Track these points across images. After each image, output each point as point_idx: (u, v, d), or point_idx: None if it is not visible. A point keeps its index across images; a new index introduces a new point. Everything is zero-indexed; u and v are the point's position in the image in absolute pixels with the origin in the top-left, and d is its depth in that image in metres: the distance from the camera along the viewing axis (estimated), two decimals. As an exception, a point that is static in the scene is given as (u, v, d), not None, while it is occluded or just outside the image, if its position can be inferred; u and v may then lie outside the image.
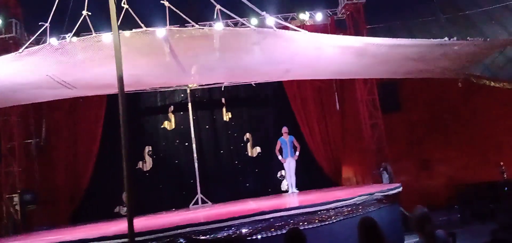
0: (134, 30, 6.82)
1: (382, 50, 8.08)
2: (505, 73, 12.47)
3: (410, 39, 8.56)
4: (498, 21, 11.71)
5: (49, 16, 7.35)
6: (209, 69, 8.63)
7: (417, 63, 8.66)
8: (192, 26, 10.80)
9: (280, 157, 10.41)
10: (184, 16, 7.70)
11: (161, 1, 7.12)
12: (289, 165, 10.32)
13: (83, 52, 7.00)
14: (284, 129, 10.41)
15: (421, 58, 8.46)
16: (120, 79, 4.51)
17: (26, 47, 6.59)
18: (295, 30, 7.63)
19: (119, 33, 4.68)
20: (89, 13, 6.85)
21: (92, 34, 6.76)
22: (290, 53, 8.20)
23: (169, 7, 7.10)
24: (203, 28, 7.24)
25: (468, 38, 8.21)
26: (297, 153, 10.35)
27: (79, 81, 8.18)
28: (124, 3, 6.71)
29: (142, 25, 6.88)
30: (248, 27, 7.69)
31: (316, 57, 8.44)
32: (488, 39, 8.61)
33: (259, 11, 7.73)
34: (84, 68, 7.59)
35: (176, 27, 8.14)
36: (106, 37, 6.73)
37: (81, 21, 7.10)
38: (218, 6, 7.28)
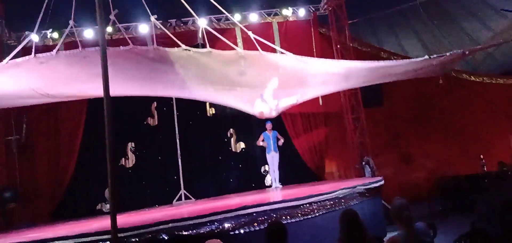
0: (122, 48, 6.71)
1: (366, 72, 8.17)
2: (485, 67, 12.74)
3: (392, 61, 8.64)
4: (476, 15, 11.93)
5: (30, 13, 7.24)
6: (192, 89, 8.49)
7: (401, 75, 8.81)
8: (175, 25, 10.85)
9: (261, 143, 10.48)
10: (166, 30, 7.71)
11: (151, 18, 7.13)
12: (273, 159, 10.35)
13: (68, 67, 6.88)
14: (268, 125, 10.42)
15: (404, 73, 8.60)
16: (107, 96, 4.44)
17: (11, 58, 6.42)
18: (282, 52, 7.50)
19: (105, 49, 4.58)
20: (76, 24, 6.76)
21: (74, 35, 6.68)
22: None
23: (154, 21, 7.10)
24: (189, 50, 7.09)
25: (446, 53, 8.28)
26: (282, 140, 10.44)
27: (63, 93, 8.09)
28: (111, 15, 6.63)
29: (130, 42, 6.79)
30: (234, 48, 7.36)
31: (301, 88, 8.43)
32: (467, 51, 8.72)
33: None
34: (68, 83, 7.48)
35: (158, 32, 8.12)
36: (92, 53, 6.61)
37: (68, 31, 7.03)
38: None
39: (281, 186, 10.26)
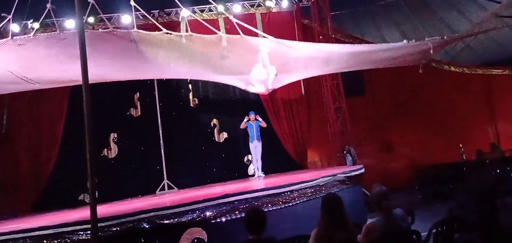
0: (101, 30, 6.69)
1: (347, 56, 8.24)
2: (464, 58, 12.95)
3: (371, 44, 8.76)
4: (457, 7, 12.10)
5: (10, 4, 7.14)
6: (175, 69, 8.49)
7: (381, 62, 8.90)
8: (158, 16, 10.75)
9: (243, 126, 10.58)
10: (149, 17, 7.69)
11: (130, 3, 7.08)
12: (256, 149, 10.41)
13: (47, 48, 6.81)
14: (251, 115, 10.47)
15: (384, 58, 8.69)
16: (86, 83, 4.40)
17: None
18: (265, 36, 7.58)
19: (84, 32, 4.54)
20: (53, 7, 6.68)
21: (55, 25, 6.60)
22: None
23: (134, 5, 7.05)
24: (171, 34, 7.13)
25: (426, 38, 8.42)
26: (264, 124, 10.59)
27: (43, 77, 7.97)
28: None
29: (105, 17, 6.76)
30: (216, 33, 7.48)
31: (283, 70, 8.48)
32: (445, 37, 8.87)
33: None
34: (47, 64, 7.39)
35: (142, 27, 8.05)
36: (71, 34, 6.56)
37: (46, 13, 6.97)
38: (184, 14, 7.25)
39: (263, 175, 10.32)
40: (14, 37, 6.37)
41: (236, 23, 7.33)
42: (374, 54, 8.31)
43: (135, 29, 7.09)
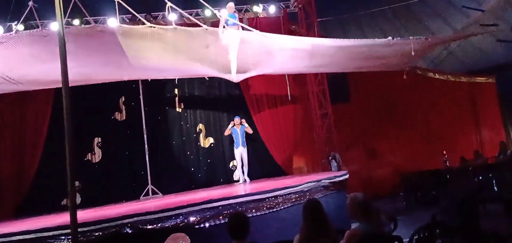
0: (83, 26, 6.64)
1: (331, 51, 8.30)
2: (448, 66, 13.12)
3: (356, 40, 8.83)
4: (442, 16, 12.27)
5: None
6: (159, 67, 8.47)
7: (366, 60, 8.96)
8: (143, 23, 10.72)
9: (227, 132, 10.68)
10: (135, 14, 7.67)
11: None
12: (241, 154, 10.41)
13: (29, 46, 6.72)
14: (236, 119, 10.49)
15: (368, 57, 8.76)
16: (65, 74, 4.35)
17: None
18: (247, 29, 7.70)
19: (64, 27, 4.49)
20: (35, 5, 6.61)
21: (39, 27, 6.53)
22: (243, 55, 8.22)
23: (119, 1, 7.00)
24: (154, 27, 7.13)
25: (410, 37, 8.54)
26: (250, 130, 10.63)
27: (25, 76, 7.82)
28: None
29: (91, 20, 6.72)
30: (201, 26, 7.57)
31: (269, 58, 8.54)
32: (429, 38, 9.00)
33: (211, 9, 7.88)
34: (30, 63, 7.26)
35: (127, 25, 8.02)
36: (53, 32, 6.50)
37: (28, 11, 6.89)
38: (169, 3, 7.30)
39: (248, 180, 10.32)
40: None
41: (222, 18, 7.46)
42: (358, 49, 8.36)
43: (118, 23, 7.07)
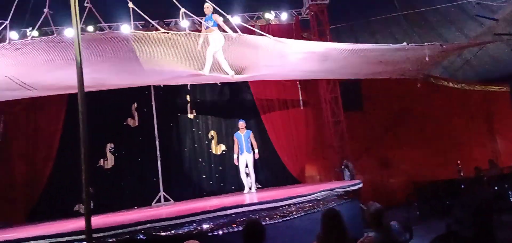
0: (97, 32, 6.71)
1: (344, 54, 8.27)
2: (462, 74, 12.99)
3: (370, 44, 8.80)
4: (455, 24, 12.16)
5: (8, 10, 7.12)
6: (172, 72, 8.52)
7: (378, 65, 8.90)
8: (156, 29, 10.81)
9: (235, 157, 9.96)
10: (149, 20, 7.72)
11: (129, 5, 7.09)
12: (246, 161, 9.79)
13: (44, 53, 6.79)
14: (241, 123, 10.00)
15: (381, 62, 8.70)
16: (81, 81, 4.36)
17: None
18: (260, 33, 7.71)
19: (80, 35, 4.51)
20: (51, 12, 6.67)
21: (54, 33, 6.60)
22: (255, 58, 8.24)
23: (133, 8, 7.06)
24: (168, 33, 7.18)
25: (425, 43, 8.47)
26: (256, 151, 9.87)
27: (40, 82, 7.97)
28: (87, 3, 6.56)
29: (105, 26, 6.79)
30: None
31: (281, 62, 8.56)
32: (444, 45, 8.91)
33: (224, 13, 7.92)
34: (45, 69, 7.38)
35: (140, 31, 8.07)
36: (68, 38, 6.56)
37: (43, 19, 6.95)
38: (182, 9, 7.37)
39: (254, 189, 9.91)
40: (12, 41, 6.34)
41: (236, 25, 7.56)
42: (371, 52, 8.31)
43: (132, 29, 7.13)
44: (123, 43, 7.12)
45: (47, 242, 5.55)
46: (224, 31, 7.74)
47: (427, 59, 8.20)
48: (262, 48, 7.86)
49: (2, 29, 6.90)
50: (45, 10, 6.47)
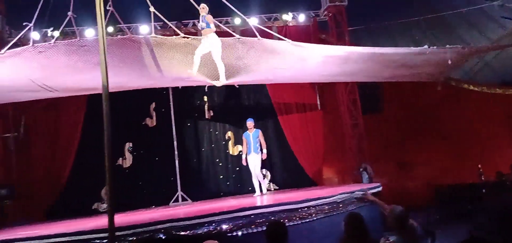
0: (119, 36, 6.81)
1: (364, 58, 8.20)
2: (483, 77, 12.76)
3: (391, 48, 8.70)
4: (477, 26, 11.97)
5: (31, 11, 7.23)
6: (190, 76, 8.59)
7: (398, 69, 8.81)
8: (175, 27, 10.89)
9: (244, 157, 9.58)
10: (167, 22, 7.78)
11: (150, 9, 7.15)
12: (254, 162, 9.37)
13: (66, 56, 6.89)
14: (249, 123, 9.60)
15: (402, 65, 8.61)
16: (105, 89, 4.43)
17: (9, 48, 6.40)
18: (280, 38, 7.68)
19: (105, 40, 4.58)
20: (75, 16, 6.76)
21: (76, 35, 6.68)
22: (274, 63, 8.22)
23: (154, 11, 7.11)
24: (188, 38, 7.22)
25: (447, 46, 8.35)
26: (264, 151, 9.41)
27: (61, 85, 8.14)
28: (109, 6, 6.64)
29: (125, 27, 6.86)
30: (233, 35, 7.61)
31: (300, 66, 8.55)
32: (466, 48, 8.78)
33: (243, 16, 7.91)
34: (66, 72, 7.54)
35: (159, 32, 8.13)
36: (91, 41, 6.64)
37: (66, 22, 7.05)
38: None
39: (259, 193, 9.42)
40: (35, 45, 6.43)
41: (253, 26, 7.47)
42: (392, 56, 8.23)
43: (153, 34, 7.19)
44: (144, 47, 7.21)
45: (69, 240, 5.60)
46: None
47: (449, 62, 8.06)
48: (281, 52, 7.82)
49: (26, 30, 7.00)
50: (69, 13, 6.55)
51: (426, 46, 7.90)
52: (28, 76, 7.22)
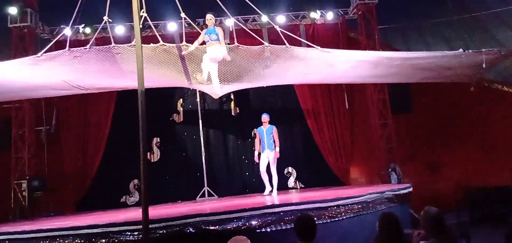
0: (152, 45, 6.90)
1: (396, 61, 8.07)
2: (517, 77, 12.38)
3: (425, 52, 8.53)
4: (510, 25, 11.62)
5: (63, 6, 7.35)
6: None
7: (431, 71, 8.64)
8: (203, 24, 10.97)
9: (256, 154, 9.26)
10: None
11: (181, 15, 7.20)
12: (268, 159, 8.95)
13: (100, 62, 7.03)
14: (264, 117, 9.20)
15: (434, 68, 8.44)
16: (142, 95, 4.50)
17: (45, 51, 6.56)
18: (308, 44, 7.60)
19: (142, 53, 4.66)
20: (110, 20, 6.88)
21: (107, 34, 6.79)
22: (302, 68, 8.19)
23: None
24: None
25: (482, 49, 8.12)
26: (277, 149, 8.91)
27: (94, 85, 8.44)
28: (143, 12, 6.72)
29: (160, 38, 6.95)
30: (262, 43, 7.50)
31: (329, 71, 8.51)
32: (503, 52, 8.50)
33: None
34: (100, 77, 7.80)
35: (187, 29, 8.19)
36: (124, 49, 6.75)
37: (101, 27, 7.20)
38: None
39: (270, 193, 9.04)
40: (71, 49, 6.57)
41: (281, 32, 7.33)
42: (426, 60, 8.07)
43: (184, 42, 7.23)
44: (174, 55, 7.36)
45: (101, 231, 5.69)
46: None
47: (484, 66, 7.85)
48: (310, 58, 7.74)
49: (58, 24, 7.16)
50: (105, 18, 6.65)
51: (461, 50, 7.70)
52: (62, 78, 7.43)
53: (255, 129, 9.71)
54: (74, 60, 6.84)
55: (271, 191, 9.04)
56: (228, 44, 7.56)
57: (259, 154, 9.18)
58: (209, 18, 7.44)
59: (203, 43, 7.38)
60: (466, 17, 11.34)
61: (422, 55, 8.08)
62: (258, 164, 9.24)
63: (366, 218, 6.47)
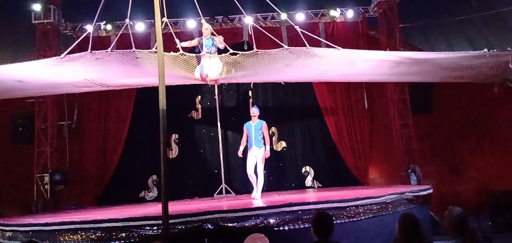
0: (172, 53, 6.97)
1: (419, 61, 7.97)
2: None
3: (448, 52, 8.38)
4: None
5: (85, 2, 7.45)
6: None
7: (453, 71, 8.49)
8: (222, 21, 10.94)
9: (241, 149, 8.62)
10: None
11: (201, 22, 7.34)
12: (255, 158, 8.16)
13: (122, 65, 7.15)
14: (253, 110, 8.57)
15: (457, 68, 8.29)
16: (163, 111, 4.55)
17: (68, 53, 6.69)
18: (328, 45, 7.56)
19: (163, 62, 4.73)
20: (132, 23, 6.94)
21: (127, 31, 6.89)
22: (322, 67, 8.15)
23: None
24: (237, 54, 7.27)
25: (508, 48, 7.94)
26: (268, 147, 8.16)
27: (115, 83, 8.63)
28: (164, 17, 6.79)
29: (180, 46, 7.01)
30: (281, 46, 7.36)
31: (349, 70, 8.47)
32: None
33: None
34: (122, 77, 8.03)
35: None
36: (145, 54, 6.83)
37: (123, 29, 7.33)
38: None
39: (257, 197, 8.19)
40: (93, 51, 6.67)
41: (301, 32, 7.26)
42: (449, 60, 7.95)
43: (203, 52, 7.28)
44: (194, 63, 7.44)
45: (121, 225, 5.76)
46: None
47: (510, 66, 7.66)
48: (330, 57, 7.70)
49: (80, 21, 7.28)
50: (127, 20, 6.76)
51: (485, 50, 7.54)
52: (85, 77, 7.60)
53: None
54: (96, 62, 6.97)
55: (257, 193, 8.23)
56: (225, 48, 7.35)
57: (245, 151, 8.54)
58: (206, 27, 7.24)
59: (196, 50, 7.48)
60: (491, 14, 11.10)
61: (445, 56, 7.94)
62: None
63: (385, 219, 6.40)
